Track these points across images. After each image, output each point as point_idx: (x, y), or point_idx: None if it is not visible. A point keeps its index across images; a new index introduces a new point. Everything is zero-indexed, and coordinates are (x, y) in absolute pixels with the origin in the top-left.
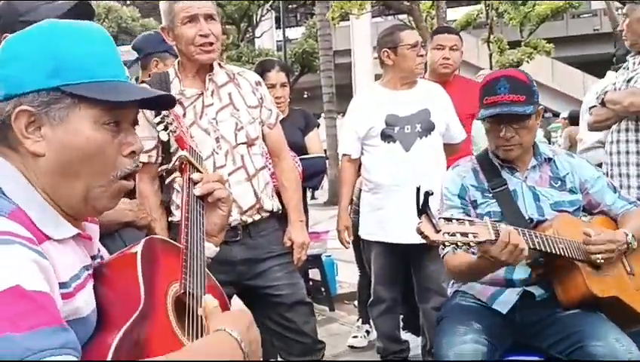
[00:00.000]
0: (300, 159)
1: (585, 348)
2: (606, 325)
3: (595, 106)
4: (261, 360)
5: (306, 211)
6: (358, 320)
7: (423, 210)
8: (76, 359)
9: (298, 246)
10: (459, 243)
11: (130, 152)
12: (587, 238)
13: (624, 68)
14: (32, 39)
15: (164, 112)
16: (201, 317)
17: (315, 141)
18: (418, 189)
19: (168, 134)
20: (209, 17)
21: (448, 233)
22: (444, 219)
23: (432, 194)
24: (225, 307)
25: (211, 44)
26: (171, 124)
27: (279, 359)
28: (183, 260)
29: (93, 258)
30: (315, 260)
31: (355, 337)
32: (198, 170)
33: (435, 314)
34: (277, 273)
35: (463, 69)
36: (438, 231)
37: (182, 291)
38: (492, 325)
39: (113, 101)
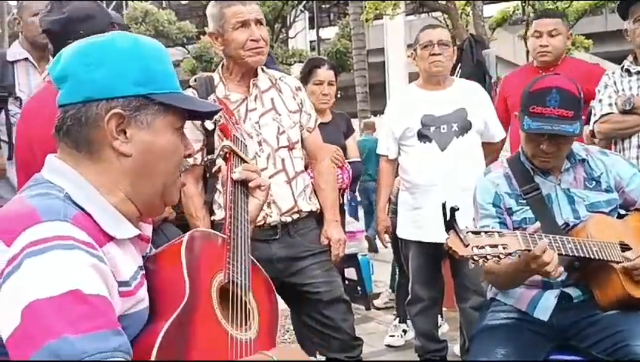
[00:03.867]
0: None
1: (628, 348)
2: None
3: (608, 114)
4: None
5: (342, 212)
6: (395, 319)
7: (450, 225)
8: (127, 360)
9: (336, 242)
10: (488, 256)
11: (188, 154)
12: (627, 267)
13: (630, 72)
14: (121, 49)
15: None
16: (246, 303)
17: (354, 146)
18: (444, 205)
19: (214, 123)
20: (258, 22)
21: (477, 246)
22: (472, 232)
23: (458, 209)
24: (268, 292)
25: (261, 48)
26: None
27: (318, 356)
28: (227, 250)
29: (144, 257)
30: (350, 259)
31: (392, 336)
32: (243, 159)
33: (474, 314)
34: (315, 271)
35: (498, 66)
36: (466, 246)
37: (226, 280)
38: (524, 341)
39: (196, 111)
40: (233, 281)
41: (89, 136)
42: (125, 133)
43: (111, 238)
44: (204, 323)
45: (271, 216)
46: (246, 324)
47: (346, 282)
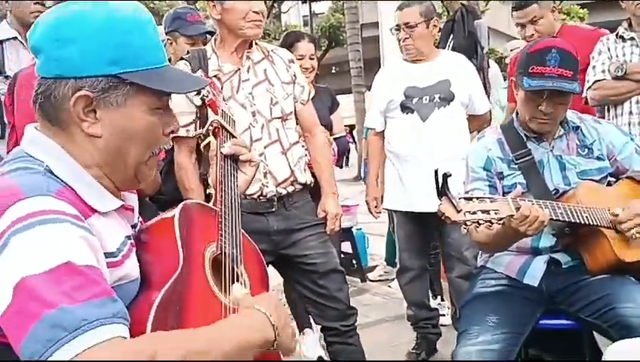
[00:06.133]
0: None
1: (615, 310)
2: (636, 287)
3: (601, 80)
4: (292, 336)
5: None
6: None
7: (443, 191)
8: (126, 327)
9: (332, 216)
10: (480, 221)
11: (170, 131)
12: (615, 219)
13: (624, 39)
14: (93, 24)
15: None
16: (237, 274)
17: (339, 121)
18: (436, 171)
19: (201, 99)
20: None
21: (469, 211)
22: (465, 198)
23: (451, 175)
24: (259, 263)
25: (261, 21)
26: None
27: (314, 326)
28: (218, 222)
29: (133, 227)
30: (346, 233)
31: None
32: (231, 134)
33: (461, 283)
34: (311, 242)
35: (492, 38)
36: (459, 211)
37: (218, 251)
38: (515, 307)
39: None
40: (225, 252)
41: (58, 115)
42: (95, 112)
43: (95, 210)
44: (198, 293)
45: (267, 187)
46: None
47: (342, 255)
